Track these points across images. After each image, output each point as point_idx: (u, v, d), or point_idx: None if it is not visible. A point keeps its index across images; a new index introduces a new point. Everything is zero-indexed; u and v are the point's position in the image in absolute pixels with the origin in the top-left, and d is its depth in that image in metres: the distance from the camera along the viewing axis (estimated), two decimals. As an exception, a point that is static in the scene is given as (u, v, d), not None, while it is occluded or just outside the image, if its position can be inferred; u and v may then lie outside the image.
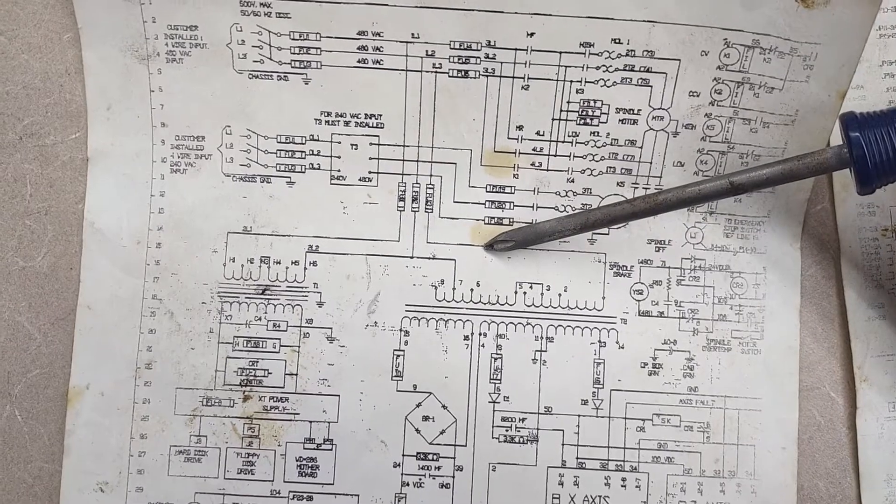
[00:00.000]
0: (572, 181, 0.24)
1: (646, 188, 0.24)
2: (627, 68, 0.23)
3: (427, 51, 0.23)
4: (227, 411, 0.23)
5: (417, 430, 0.23)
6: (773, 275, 0.24)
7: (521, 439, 0.23)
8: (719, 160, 0.24)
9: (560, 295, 0.24)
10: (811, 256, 0.24)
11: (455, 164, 0.24)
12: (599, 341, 0.24)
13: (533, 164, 0.24)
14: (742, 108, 0.23)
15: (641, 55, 0.23)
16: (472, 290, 0.24)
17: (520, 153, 0.24)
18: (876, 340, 0.24)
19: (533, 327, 0.24)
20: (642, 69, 0.23)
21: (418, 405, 0.23)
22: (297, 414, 0.23)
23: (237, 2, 0.23)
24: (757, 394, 0.24)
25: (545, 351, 0.24)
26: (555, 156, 0.24)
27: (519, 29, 0.23)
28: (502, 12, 0.23)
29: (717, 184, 0.21)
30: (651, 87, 0.23)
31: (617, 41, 0.23)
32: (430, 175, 0.24)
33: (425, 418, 0.23)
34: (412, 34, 0.23)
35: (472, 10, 0.23)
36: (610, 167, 0.24)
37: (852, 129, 0.20)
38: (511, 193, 0.24)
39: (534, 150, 0.24)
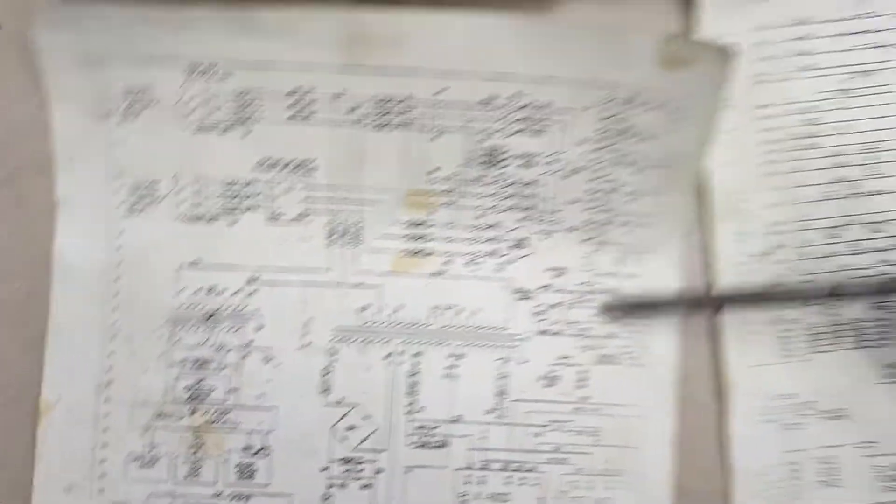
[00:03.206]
0: (482, 216, 0.27)
1: (541, 220, 0.27)
2: (526, 120, 0.27)
3: (352, 106, 0.27)
4: (176, 424, 0.27)
5: (343, 438, 0.27)
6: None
7: (434, 444, 0.27)
8: (605, 198, 0.27)
9: (471, 317, 0.27)
10: (691, 281, 0.28)
11: (379, 202, 0.27)
12: (504, 358, 0.27)
13: (447, 203, 0.27)
14: (624, 153, 0.27)
15: (538, 107, 0.26)
16: (394, 313, 0.27)
17: (435, 193, 0.27)
18: (747, 351, 0.27)
19: (446, 346, 0.27)
20: (538, 120, 0.27)
21: (344, 416, 0.27)
22: (239, 424, 0.27)
23: (187, 65, 0.26)
24: (641, 402, 0.27)
25: (457, 367, 0.27)
26: (466, 195, 0.27)
27: (431, 86, 0.26)
28: (417, 72, 0.26)
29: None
30: (546, 134, 0.27)
31: (518, 95, 0.26)
32: (358, 212, 0.27)
33: (350, 428, 0.27)
34: (338, 92, 0.26)
35: (391, 71, 0.26)
36: (514, 205, 0.27)
37: None
38: (429, 228, 0.27)
39: (446, 190, 0.27)
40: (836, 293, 0.26)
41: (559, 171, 0.27)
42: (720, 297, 0.27)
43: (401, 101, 0.27)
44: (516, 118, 0.27)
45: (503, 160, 0.27)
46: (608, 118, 0.26)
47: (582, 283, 0.28)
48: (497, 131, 0.27)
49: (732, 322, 0.27)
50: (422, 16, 0.26)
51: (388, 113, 0.27)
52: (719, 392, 0.27)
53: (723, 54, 0.25)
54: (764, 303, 0.27)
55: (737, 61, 0.25)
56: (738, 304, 0.27)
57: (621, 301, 0.27)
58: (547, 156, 0.27)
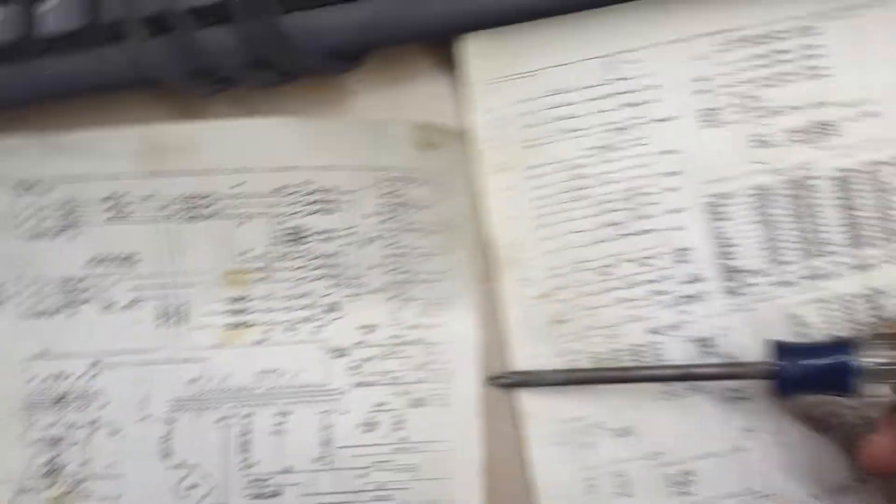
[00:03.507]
0: (295, 287, 0.31)
1: (349, 285, 0.31)
2: (318, 202, 0.30)
3: (162, 204, 0.30)
4: (37, 497, 0.30)
5: (185, 497, 0.30)
6: (456, 344, 0.31)
7: (268, 494, 0.30)
8: (401, 261, 0.30)
9: (293, 378, 0.31)
10: (488, 325, 0.31)
11: (200, 283, 0.31)
12: (327, 410, 0.31)
13: (262, 278, 0.31)
14: (408, 221, 0.30)
15: (327, 190, 0.30)
16: (222, 381, 0.31)
17: (250, 270, 0.31)
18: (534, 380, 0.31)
19: (273, 406, 0.31)
20: (329, 201, 0.30)
21: (186, 476, 0.30)
22: (93, 492, 0.30)
23: (14, 183, 0.30)
24: (451, 437, 0.31)
25: (285, 423, 0.31)
26: (278, 270, 0.31)
27: (229, 181, 0.30)
28: (214, 171, 0.30)
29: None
30: (339, 212, 0.30)
31: (308, 182, 0.30)
32: (182, 294, 0.31)
33: (191, 487, 0.30)
34: (148, 194, 0.30)
35: (191, 173, 0.30)
36: (323, 274, 0.31)
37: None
38: (249, 302, 0.31)
39: (260, 267, 0.31)
40: (687, 377, 0.29)
41: (356, 241, 0.30)
42: (581, 377, 0.30)
43: (205, 197, 0.30)
44: (310, 201, 0.30)
45: (306, 237, 0.30)
46: (386, 194, 0.30)
47: (391, 337, 0.31)
48: (295, 213, 0.30)
49: (524, 360, 0.31)
50: (211, 124, 0.29)
51: (195, 207, 0.30)
52: (517, 421, 0.31)
53: (462, 136, 0.28)
54: (621, 382, 0.30)
55: (475, 141, 0.29)
56: (594, 382, 0.30)
57: (500, 377, 0.31)
58: (343, 230, 0.30)
